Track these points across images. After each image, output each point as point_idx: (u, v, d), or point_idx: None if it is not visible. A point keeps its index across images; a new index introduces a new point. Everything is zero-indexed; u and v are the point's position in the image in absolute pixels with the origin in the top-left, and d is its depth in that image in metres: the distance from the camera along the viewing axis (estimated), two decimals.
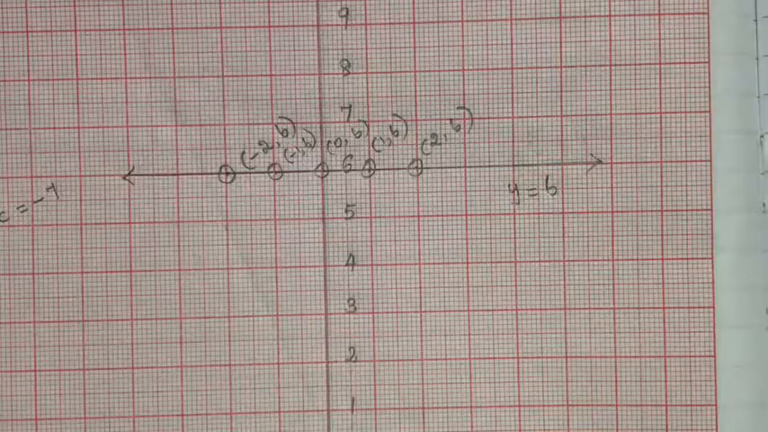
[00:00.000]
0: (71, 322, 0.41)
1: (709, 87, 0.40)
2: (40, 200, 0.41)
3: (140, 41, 0.41)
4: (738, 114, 0.40)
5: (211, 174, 0.41)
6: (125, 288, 0.41)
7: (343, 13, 0.41)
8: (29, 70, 0.41)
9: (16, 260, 0.41)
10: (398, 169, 0.41)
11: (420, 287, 0.40)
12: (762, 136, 0.40)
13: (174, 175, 0.41)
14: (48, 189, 0.41)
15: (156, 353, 0.40)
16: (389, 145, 0.41)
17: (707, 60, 0.40)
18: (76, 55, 0.41)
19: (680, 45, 0.40)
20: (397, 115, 0.41)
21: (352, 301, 0.41)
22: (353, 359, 0.41)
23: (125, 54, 0.41)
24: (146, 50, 0.41)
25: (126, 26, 0.41)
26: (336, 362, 0.41)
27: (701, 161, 0.40)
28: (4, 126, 0.41)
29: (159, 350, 0.40)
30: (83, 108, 0.41)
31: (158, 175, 0.41)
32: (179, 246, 0.41)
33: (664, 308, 0.40)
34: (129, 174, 0.41)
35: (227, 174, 0.41)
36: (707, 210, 0.40)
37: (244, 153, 0.41)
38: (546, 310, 0.40)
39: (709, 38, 0.40)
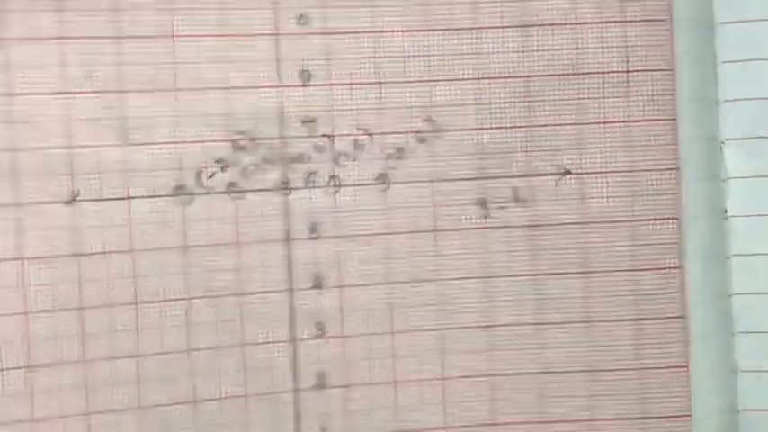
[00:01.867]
0: (16, 369, 0.37)
1: (675, 94, 0.40)
2: None
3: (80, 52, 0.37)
4: (701, 121, 0.40)
5: (166, 196, 0.37)
6: (76, 327, 0.37)
7: (303, 21, 0.38)
8: None
9: None
10: (364, 185, 0.39)
11: (391, 307, 0.39)
12: (723, 142, 0.40)
13: (124, 199, 0.37)
14: None
15: (112, 394, 0.37)
16: (354, 160, 0.38)
17: (672, 68, 0.40)
18: (6, 67, 0.36)
19: (644, 52, 0.40)
20: (361, 128, 0.38)
21: (320, 326, 0.39)
22: (324, 386, 0.39)
23: (64, 65, 0.37)
24: (87, 62, 0.37)
25: (64, 34, 0.37)
26: (305, 389, 0.39)
27: (670, 169, 0.40)
28: None
29: (116, 391, 0.37)
30: (17, 127, 0.36)
31: (106, 199, 0.37)
32: (134, 276, 0.37)
33: (636, 319, 0.40)
34: (73, 199, 0.37)
35: (185, 194, 0.37)
36: (675, 218, 0.40)
37: (200, 172, 0.38)
38: (519, 325, 0.39)
39: (673, 45, 0.39)
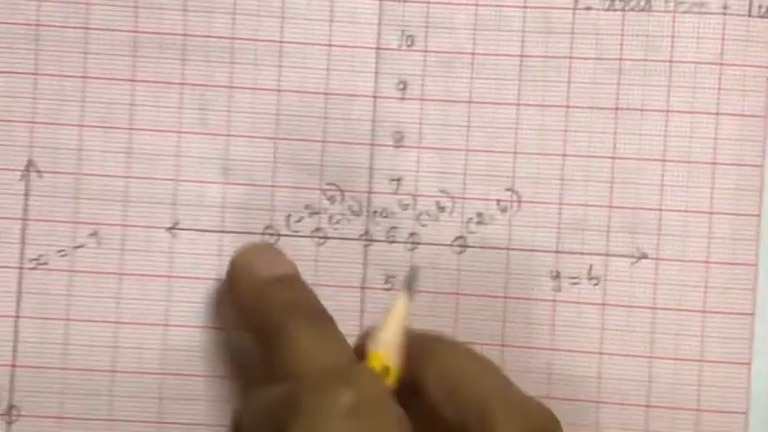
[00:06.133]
0: (102, 372, 0.40)
1: (761, 190, 0.40)
2: (81, 246, 0.40)
3: (197, 97, 0.40)
4: None
5: (255, 234, 0.40)
6: (157, 342, 0.40)
7: (401, 86, 0.41)
8: (82, 115, 0.41)
9: (51, 305, 0.40)
10: (441, 245, 0.41)
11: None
12: None
13: (218, 231, 0.41)
14: (90, 236, 0.40)
15: (184, 408, 0.40)
16: (435, 220, 0.40)
17: (760, 164, 0.40)
18: (131, 105, 0.41)
19: (735, 146, 0.40)
20: (444, 191, 0.41)
21: None
22: None
23: (180, 108, 0.41)
24: (202, 107, 0.41)
25: (184, 80, 0.41)
26: None
27: (748, 264, 0.40)
28: (52, 169, 0.41)
29: (187, 406, 0.40)
30: (133, 158, 0.41)
31: (202, 230, 0.41)
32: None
33: (698, 410, 0.40)
34: (172, 227, 0.40)
35: (271, 235, 0.40)
36: (749, 314, 0.40)
37: (289, 216, 0.41)
38: (578, 400, 0.40)
39: (766, 140, 0.40)
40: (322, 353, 0.32)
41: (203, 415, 0.41)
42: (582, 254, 0.41)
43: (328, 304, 0.38)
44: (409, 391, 0.34)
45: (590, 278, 0.41)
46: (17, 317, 0.41)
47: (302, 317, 0.33)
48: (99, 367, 0.41)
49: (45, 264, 0.41)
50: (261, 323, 0.34)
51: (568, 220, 0.41)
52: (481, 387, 0.31)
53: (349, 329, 0.40)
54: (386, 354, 0.32)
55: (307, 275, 0.40)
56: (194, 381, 0.40)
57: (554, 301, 0.41)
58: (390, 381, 0.32)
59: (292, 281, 0.35)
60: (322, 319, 0.34)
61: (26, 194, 0.41)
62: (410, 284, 0.32)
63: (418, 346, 0.32)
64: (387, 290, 0.41)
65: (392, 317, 0.32)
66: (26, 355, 0.41)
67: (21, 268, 0.41)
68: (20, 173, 0.41)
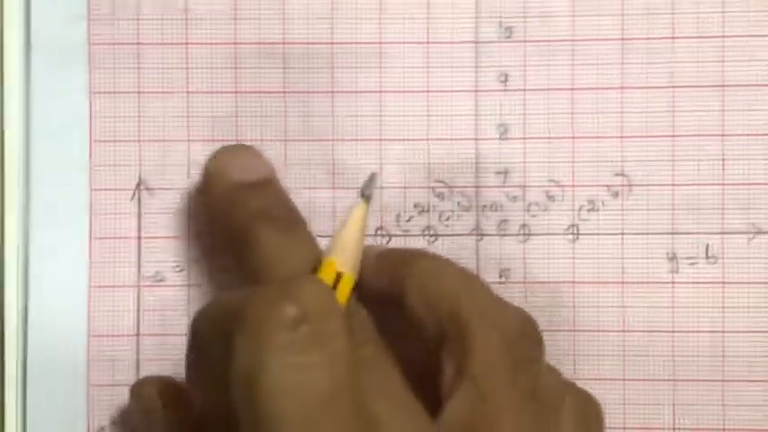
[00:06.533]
0: None
1: None
2: (196, 260, 0.41)
3: (300, 104, 0.41)
4: None
5: (365, 235, 0.40)
6: None
7: (502, 78, 0.40)
8: (189, 130, 0.41)
9: (170, 320, 0.41)
10: (554, 234, 0.40)
11: (573, 355, 0.40)
12: None
13: (327, 237, 0.41)
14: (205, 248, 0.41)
15: None
16: (545, 210, 0.40)
17: None
18: (236, 116, 0.41)
19: None
20: (553, 180, 0.40)
21: None
22: None
23: (285, 116, 0.41)
24: (306, 113, 0.41)
25: (287, 88, 0.41)
26: None
27: None
28: (162, 186, 0.41)
29: None
30: None
31: (317, 236, 0.41)
32: None
33: None
34: None
35: (382, 236, 0.40)
36: None
37: (399, 215, 0.41)
38: (702, 381, 0.40)
39: None
40: (290, 258, 0.32)
41: None
42: (698, 233, 0.40)
43: None
44: (393, 297, 0.34)
45: (707, 257, 0.40)
46: (138, 335, 0.41)
47: (271, 222, 0.33)
48: None
49: (162, 280, 0.41)
50: (231, 230, 0.34)
51: (681, 200, 0.40)
52: (461, 303, 0.31)
53: None
54: (340, 260, 0.31)
55: None
56: None
57: (672, 282, 0.40)
58: (345, 286, 0.32)
59: (265, 185, 0.35)
60: (292, 224, 0.34)
61: (138, 213, 0.41)
62: (367, 190, 0.32)
63: (400, 259, 0.33)
64: (501, 283, 0.41)
65: (348, 223, 0.32)
66: (149, 373, 0.41)
67: (138, 286, 0.41)
68: (131, 192, 0.41)
